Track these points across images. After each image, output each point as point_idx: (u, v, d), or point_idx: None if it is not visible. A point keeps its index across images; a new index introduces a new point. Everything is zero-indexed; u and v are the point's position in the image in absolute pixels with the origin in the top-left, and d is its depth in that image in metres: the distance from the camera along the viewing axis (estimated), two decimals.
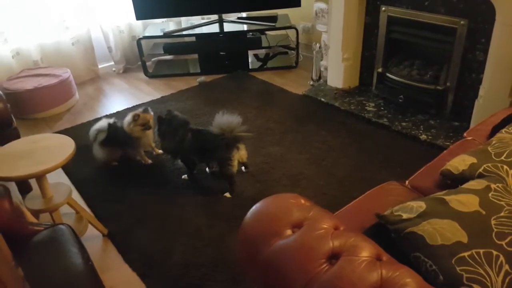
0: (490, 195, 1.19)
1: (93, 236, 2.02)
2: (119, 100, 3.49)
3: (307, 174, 2.36)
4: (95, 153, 2.49)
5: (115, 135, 2.42)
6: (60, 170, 2.43)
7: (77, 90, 3.50)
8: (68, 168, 2.45)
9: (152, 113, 2.44)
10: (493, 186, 1.23)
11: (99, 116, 3.15)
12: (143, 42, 3.78)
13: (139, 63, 3.91)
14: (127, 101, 3.44)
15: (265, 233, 0.94)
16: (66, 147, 1.81)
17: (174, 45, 4.00)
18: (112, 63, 4.01)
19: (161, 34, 3.77)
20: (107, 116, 3.12)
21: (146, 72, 3.87)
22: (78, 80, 3.67)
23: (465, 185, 1.29)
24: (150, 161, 2.55)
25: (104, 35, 3.83)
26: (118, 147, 2.49)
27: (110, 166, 2.54)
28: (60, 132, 2.86)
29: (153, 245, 1.94)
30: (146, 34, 3.81)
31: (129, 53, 4.01)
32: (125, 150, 2.52)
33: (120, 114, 3.16)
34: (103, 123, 2.49)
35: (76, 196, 2.27)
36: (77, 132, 2.91)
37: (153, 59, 4.15)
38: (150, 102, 3.34)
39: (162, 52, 3.90)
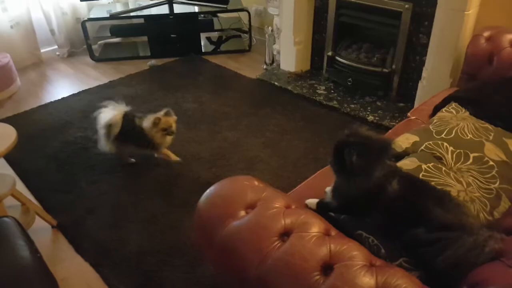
0: (420, 175, 1.28)
1: (42, 228, 1.94)
2: (64, 85, 3.31)
3: (263, 157, 2.39)
4: (103, 148, 2.25)
5: (131, 132, 2.16)
6: (3, 161, 2.30)
7: (18, 76, 3.27)
8: (12, 158, 2.31)
9: (174, 116, 2.19)
10: (424, 166, 1.32)
11: (43, 103, 2.99)
12: (88, 24, 3.59)
13: (85, 46, 3.71)
14: (73, 86, 3.27)
15: (220, 215, 0.95)
16: (6, 136, 1.71)
17: (122, 27, 3.84)
18: (56, 47, 3.78)
19: (108, 16, 3.60)
20: (53, 103, 2.98)
21: (92, 56, 3.69)
22: (19, 65, 3.43)
23: (399, 164, 1.37)
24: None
25: (46, 18, 3.59)
26: (131, 144, 2.25)
27: (125, 163, 2.35)
28: (2, 120, 2.67)
29: (107, 234, 1.90)
30: (91, 16, 3.62)
31: (74, 36, 3.79)
32: (139, 149, 2.28)
33: (66, 100, 3.02)
34: (115, 115, 2.15)
35: (21, 187, 2.16)
36: (21, 120, 2.76)
37: (99, 42, 3.95)
38: (97, 88, 3.20)
39: (109, 34, 3.72)
